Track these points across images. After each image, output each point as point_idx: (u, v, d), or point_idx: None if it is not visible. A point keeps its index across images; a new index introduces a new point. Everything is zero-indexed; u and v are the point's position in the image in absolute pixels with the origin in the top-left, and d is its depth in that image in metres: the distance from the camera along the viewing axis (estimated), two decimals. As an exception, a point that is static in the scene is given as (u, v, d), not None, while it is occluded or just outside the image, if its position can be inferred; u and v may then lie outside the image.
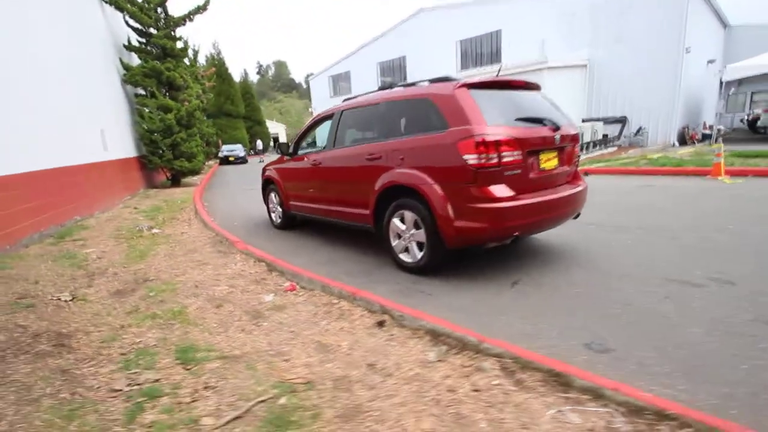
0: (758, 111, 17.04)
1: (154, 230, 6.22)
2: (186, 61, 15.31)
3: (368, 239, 4.82)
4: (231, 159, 24.48)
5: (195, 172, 13.46)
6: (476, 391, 1.98)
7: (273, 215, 6.10)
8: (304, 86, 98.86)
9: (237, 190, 11.24)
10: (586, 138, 13.95)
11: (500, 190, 3.12)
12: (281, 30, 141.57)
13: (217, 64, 33.43)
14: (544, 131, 3.38)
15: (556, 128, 3.45)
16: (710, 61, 16.54)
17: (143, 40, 12.53)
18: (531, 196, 3.25)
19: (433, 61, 21.01)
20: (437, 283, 3.38)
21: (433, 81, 3.68)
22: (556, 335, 2.42)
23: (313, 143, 5.67)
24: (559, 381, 1.95)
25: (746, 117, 17.72)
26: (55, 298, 3.36)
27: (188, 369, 2.29)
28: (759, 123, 16.22)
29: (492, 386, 2.00)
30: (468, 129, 3.07)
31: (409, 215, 3.56)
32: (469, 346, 2.28)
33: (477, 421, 1.77)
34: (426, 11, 21.46)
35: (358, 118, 4.33)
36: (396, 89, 3.93)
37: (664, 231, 4.45)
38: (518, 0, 17.57)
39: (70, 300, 3.37)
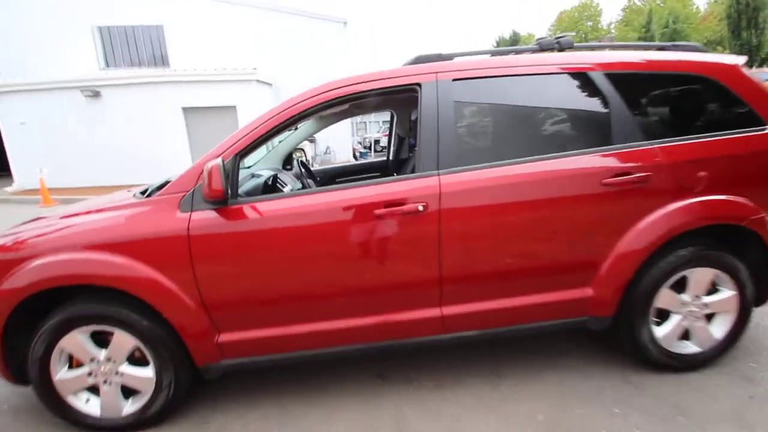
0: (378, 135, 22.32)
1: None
2: None
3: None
4: None
5: None
6: None
7: (85, 401, 1.97)
8: None
9: None
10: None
11: None
12: None
13: None
14: None
15: None
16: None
17: None
18: None
19: (46, 51, 13.96)
20: None
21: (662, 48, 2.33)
22: None
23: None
24: None
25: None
26: None
27: None
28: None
29: None
30: None
31: (702, 274, 2.09)
32: None
33: None
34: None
35: (530, 102, 2.10)
36: (631, 53, 2.23)
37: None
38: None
39: None
